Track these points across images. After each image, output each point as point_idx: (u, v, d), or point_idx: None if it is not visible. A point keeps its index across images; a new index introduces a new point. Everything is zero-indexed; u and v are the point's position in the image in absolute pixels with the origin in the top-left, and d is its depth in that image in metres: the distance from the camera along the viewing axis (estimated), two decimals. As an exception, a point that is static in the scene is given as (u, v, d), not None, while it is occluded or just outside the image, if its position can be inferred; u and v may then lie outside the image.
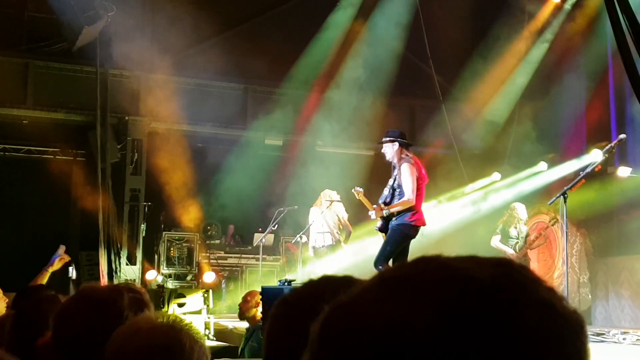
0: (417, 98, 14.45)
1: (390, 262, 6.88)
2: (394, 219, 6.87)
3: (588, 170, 6.58)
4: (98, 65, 11.74)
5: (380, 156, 7.67)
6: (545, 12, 13.17)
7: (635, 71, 3.76)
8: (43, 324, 2.64)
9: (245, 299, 6.37)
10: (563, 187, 6.54)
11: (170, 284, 11.78)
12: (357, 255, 9.77)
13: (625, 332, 6.95)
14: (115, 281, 11.40)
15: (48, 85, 12.34)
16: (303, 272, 10.17)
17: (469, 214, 12.77)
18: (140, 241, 12.36)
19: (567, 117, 12.56)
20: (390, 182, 7.03)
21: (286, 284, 5.19)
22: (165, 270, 12.15)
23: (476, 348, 0.60)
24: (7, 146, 13.29)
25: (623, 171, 9.30)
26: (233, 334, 8.17)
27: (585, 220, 10.88)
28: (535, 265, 11.29)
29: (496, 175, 12.91)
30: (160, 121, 12.78)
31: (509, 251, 8.95)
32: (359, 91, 13.33)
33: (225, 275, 12.91)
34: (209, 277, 12.12)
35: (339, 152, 13.54)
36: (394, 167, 7.10)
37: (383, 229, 7.01)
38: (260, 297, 5.21)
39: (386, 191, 7.04)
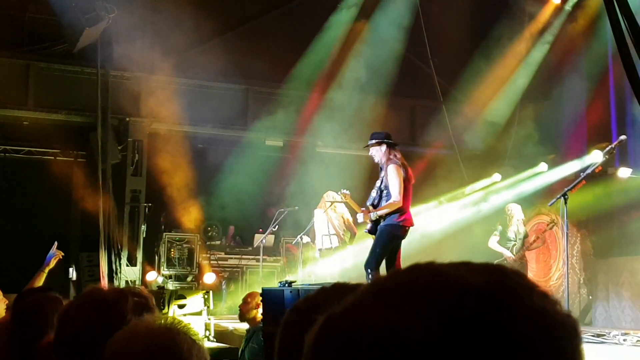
0: (418, 99, 14.45)
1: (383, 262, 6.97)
2: (382, 220, 6.93)
3: (589, 171, 6.58)
4: (99, 66, 11.74)
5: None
6: (546, 13, 13.18)
7: (635, 73, 3.75)
8: (45, 326, 2.64)
9: (245, 300, 6.35)
10: (564, 188, 6.57)
11: (171, 285, 11.77)
12: (358, 256, 9.76)
13: (625, 333, 6.94)
14: (116, 282, 11.40)
15: (49, 87, 12.35)
16: (304, 273, 10.17)
17: (470, 215, 12.77)
18: (140, 242, 12.36)
19: (568, 118, 12.56)
20: (378, 183, 7.09)
21: (287, 285, 5.17)
22: (165, 271, 12.14)
23: (474, 351, 0.61)
24: (7, 147, 13.28)
25: (623, 172, 9.28)
26: (233, 335, 8.17)
27: (586, 221, 10.89)
28: (534, 267, 11.29)
29: (497, 176, 12.89)
30: (161, 122, 12.78)
31: (506, 253, 8.94)
32: (359, 92, 13.31)
33: (226, 276, 12.89)
34: (209, 278, 12.12)
35: (340, 153, 13.53)
36: (381, 169, 7.14)
37: (372, 231, 7.09)
38: (261, 298, 5.19)
39: (374, 193, 7.10)
